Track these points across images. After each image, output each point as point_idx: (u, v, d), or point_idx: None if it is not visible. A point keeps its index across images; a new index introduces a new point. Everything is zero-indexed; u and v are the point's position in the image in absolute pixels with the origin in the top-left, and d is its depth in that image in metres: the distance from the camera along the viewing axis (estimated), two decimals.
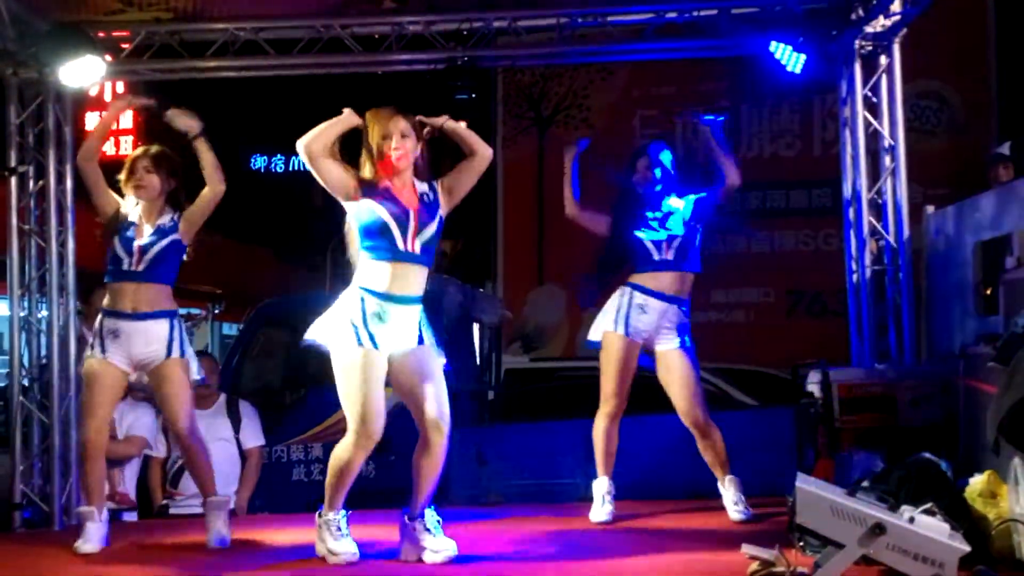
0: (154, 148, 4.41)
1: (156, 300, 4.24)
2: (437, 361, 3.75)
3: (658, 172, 4.52)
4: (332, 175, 3.67)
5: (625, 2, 5.68)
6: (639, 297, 4.44)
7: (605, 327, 4.48)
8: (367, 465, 5.91)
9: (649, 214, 4.52)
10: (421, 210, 3.66)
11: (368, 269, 3.64)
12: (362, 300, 3.62)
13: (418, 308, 3.70)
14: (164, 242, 4.26)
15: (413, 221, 3.63)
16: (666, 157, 4.58)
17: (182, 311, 4.58)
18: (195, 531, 4.45)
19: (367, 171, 3.67)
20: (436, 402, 3.65)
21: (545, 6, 5.72)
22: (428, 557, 3.63)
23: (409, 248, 3.62)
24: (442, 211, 3.72)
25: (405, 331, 3.67)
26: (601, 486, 4.47)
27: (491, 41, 5.85)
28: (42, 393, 5.35)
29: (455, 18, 5.67)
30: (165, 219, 4.30)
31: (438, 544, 3.63)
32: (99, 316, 4.29)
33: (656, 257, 4.46)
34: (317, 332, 3.70)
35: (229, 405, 5.63)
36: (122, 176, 4.34)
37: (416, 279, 3.67)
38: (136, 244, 4.23)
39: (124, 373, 4.27)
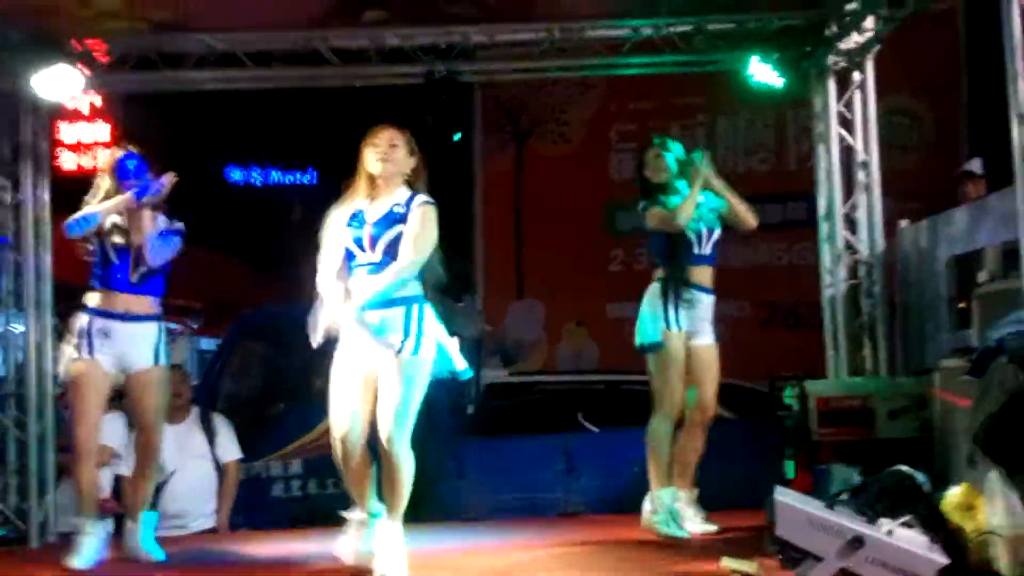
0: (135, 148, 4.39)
1: (148, 305, 4.26)
2: None
3: (670, 160, 4.48)
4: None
5: (603, 18, 5.72)
6: (686, 292, 4.38)
7: (662, 327, 4.33)
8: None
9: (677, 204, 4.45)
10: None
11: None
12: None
13: None
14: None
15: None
16: (675, 146, 4.54)
17: None
18: (177, 551, 4.41)
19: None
20: None
21: (524, 21, 5.74)
22: None
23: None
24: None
25: None
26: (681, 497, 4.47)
27: (470, 55, 5.87)
28: (19, 409, 5.28)
29: (434, 32, 5.68)
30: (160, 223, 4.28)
31: None
32: (83, 316, 4.20)
33: (696, 250, 4.45)
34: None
35: (203, 418, 5.56)
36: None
37: None
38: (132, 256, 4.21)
39: (109, 375, 4.22)
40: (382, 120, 3.83)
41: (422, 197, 3.74)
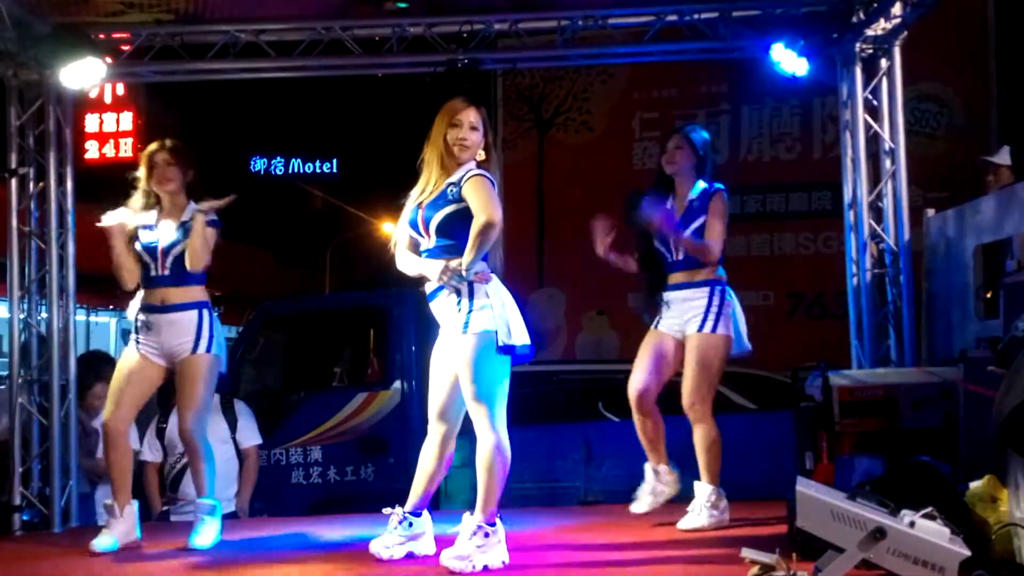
0: (169, 141, 4.42)
1: (185, 294, 4.25)
2: None
3: (685, 156, 4.38)
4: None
5: (626, 4, 5.68)
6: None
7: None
8: (366, 468, 5.97)
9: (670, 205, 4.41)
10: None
11: None
12: None
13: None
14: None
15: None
16: (696, 136, 4.44)
17: None
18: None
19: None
20: None
21: (546, 8, 5.72)
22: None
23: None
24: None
25: None
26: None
27: (492, 43, 5.85)
28: (42, 395, 5.34)
29: (456, 20, 5.67)
30: (187, 215, 4.29)
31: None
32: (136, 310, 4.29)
33: (669, 259, 4.44)
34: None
35: (224, 404, 5.59)
36: (141, 173, 4.32)
37: None
38: (160, 247, 4.24)
39: (156, 366, 4.24)
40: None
41: (472, 171, 3.52)
